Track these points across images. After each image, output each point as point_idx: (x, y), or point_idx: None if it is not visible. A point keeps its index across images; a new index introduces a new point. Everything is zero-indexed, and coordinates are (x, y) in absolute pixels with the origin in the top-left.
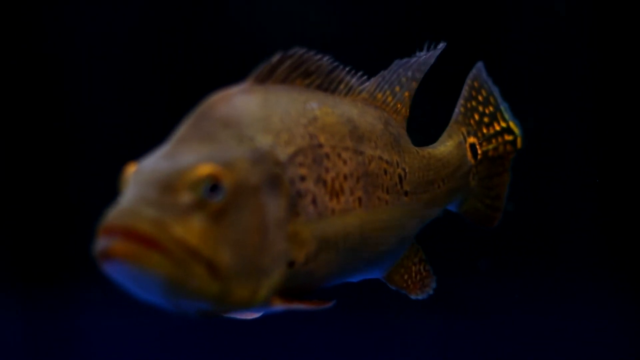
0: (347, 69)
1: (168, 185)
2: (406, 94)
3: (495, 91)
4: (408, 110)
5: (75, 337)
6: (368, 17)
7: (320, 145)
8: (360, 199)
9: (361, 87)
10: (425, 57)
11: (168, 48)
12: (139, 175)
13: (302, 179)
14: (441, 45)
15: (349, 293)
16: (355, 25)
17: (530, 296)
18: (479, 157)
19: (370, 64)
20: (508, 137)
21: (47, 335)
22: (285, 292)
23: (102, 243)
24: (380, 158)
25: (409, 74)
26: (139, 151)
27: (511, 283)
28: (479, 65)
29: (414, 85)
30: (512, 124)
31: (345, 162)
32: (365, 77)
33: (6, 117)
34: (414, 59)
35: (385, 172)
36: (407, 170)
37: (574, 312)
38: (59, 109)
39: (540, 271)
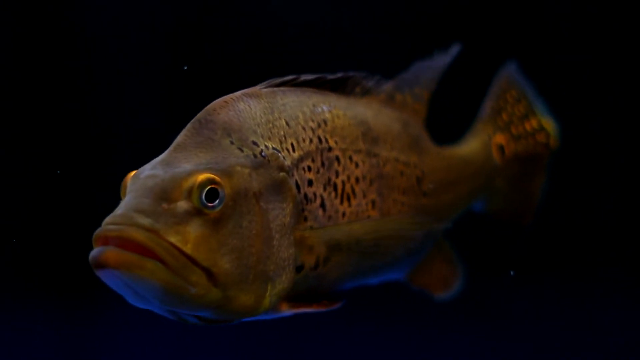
0: (365, 74)
1: (164, 194)
2: (425, 94)
3: (529, 90)
4: (426, 111)
5: (107, 348)
6: (389, 16)
7: (330, 149)
8: (374, 202)
9: (379, 89)
10: (444, 59)
11: (194, 50)
12: (135, 183)
13: (310, 183)
14: (455, 48)
15: (367, 295)
16: (377, 24)
17: (556, 304)
18: (506, 156)
19: (393, 64)
20: (540, 137)
21: (80, 345)
22: (295, 296)
23: (96, 252)
24: (397, 159)
25: (429, 75)
26: None
27: (537, 289)
28: (510, 64)
29: (434, 86)
30: (545, 124)
31: (357, 165)
32: (383, 80)
33: (36, 133)
34: (433, 61)
35: (402, 173)
36: (426, 171)
37: (604, 322)
38: (88, 127)
39: (569, 278)
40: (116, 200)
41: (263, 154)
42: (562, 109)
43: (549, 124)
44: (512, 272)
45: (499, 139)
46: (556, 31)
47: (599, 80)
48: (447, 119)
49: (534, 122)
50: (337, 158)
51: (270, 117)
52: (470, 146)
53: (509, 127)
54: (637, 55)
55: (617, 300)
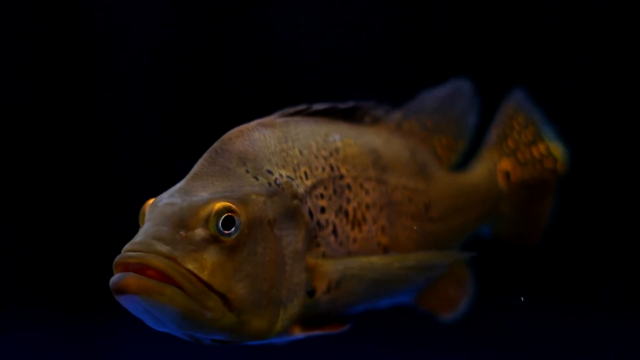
0: (374, 103)
1: (182, 221)
2: (429, 123)
3: (537, 116)
4: (433, 140)
5: None
6: (395, 42)
7: (342, 177)
8: (383, 227)
9: (387, 118)
10: (450, 91)
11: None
12: (154, 211)
13: (322, 210)
14: (466, 86)
15: (372, 317)
16: (383, 50)
17: (562, 327)
18: (512, 183)
19: (400, 91)
20: (547, 163)
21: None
22: (307, 319)
23: (117, 278)
24: (405, 187)
25: (435, 104)
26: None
27: (544, 316)
28: (517, 91)
29: (440, 117)
30: (553, 149)
31: (367, 192)
32: (391, 109)
33: (45, 150)
34: (438, 90)
35: (410, 200)
36: (433, 197)
37: (612, 346)
38: (100, 148)
39: (577, 305)
40: (123, 211)
41: (277, 182)
42: (572, 134)
43: (557, 150)
44: (522, 298)
45: (505, 165)
46: (564, 55)
47: (607, 103)
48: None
49: (541, 148)
50: (349, 185)
51: (284, 146)
52: (476, 172)
53: (515, 153)
54: None
55: (623, 323)
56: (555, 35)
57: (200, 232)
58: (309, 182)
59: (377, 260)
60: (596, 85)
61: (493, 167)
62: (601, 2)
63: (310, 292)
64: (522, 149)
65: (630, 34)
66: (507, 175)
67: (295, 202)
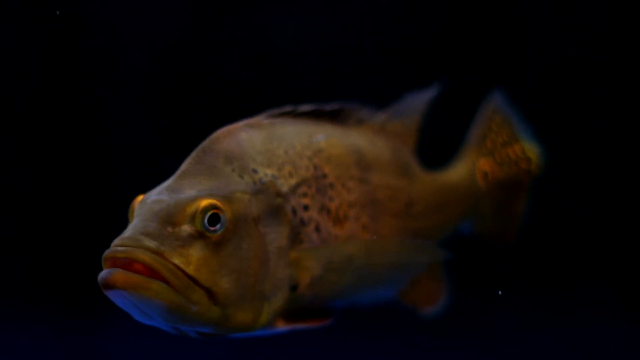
0: (359, 104)
1: (169, 218)
2: (413, 125)
3: (514, 118)
4: (415, 139)
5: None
6: (384, 47)
7: (325, 176)
8: (365, 225)
9: (371, 119)
10: (428, 93)
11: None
12: (142, 208)
13: (306, 208)
14: (437, 87)
15: (356, 313)
16: (372, 56)
17: (543, 322)
18: (490, 182)
19: (386, 94)
20: (522, 164)
21: (82, 356)
22: (291, 313)
23: (105, 273)
24: (387, 186)
25: (417, 106)
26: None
27: (525, 307)
28: (496, 92)
29: (420, 117)
30: (528, 150)
31: (350, 191)
32: (375, 111)
33: (39, 143)
34: (421, 93)
35: (392, 198)
36: (414, 196)
37: (589, 340)
38: (102, 146)
39: (556, 297)
40: (116, 208)
41: (262, 180)
42: (549, 133)
43: (532, 151)
44: (499, 292)
45: (483, 165)
46: (545, 59)
47: (586, 107)
48: (439, 144)
49: (517, 149)
50: (331, 184)
51: (270, 146)
52: (456, 172)
53: (493, 153)
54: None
55: (604, 315)
56: (547, 38)
57: (186, 228)
58: (293, 181)
59: (357, 252)
60: (583, 86)
61: (472, 166)
62: (595, 6)
63: (294, 287)
64: (499, 149)
65: (617, 36)
66: (485, 174)
67: (279, 200)
